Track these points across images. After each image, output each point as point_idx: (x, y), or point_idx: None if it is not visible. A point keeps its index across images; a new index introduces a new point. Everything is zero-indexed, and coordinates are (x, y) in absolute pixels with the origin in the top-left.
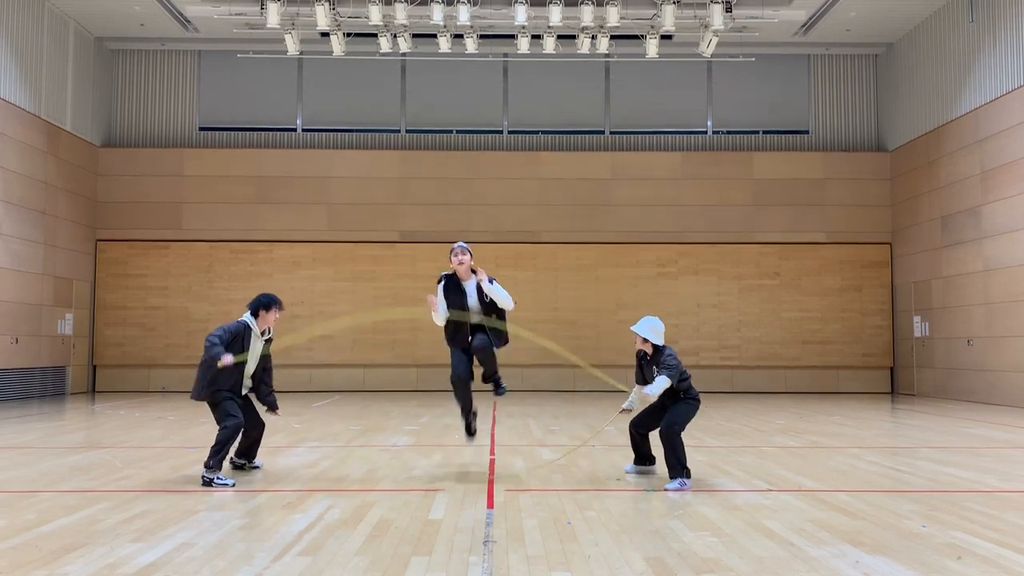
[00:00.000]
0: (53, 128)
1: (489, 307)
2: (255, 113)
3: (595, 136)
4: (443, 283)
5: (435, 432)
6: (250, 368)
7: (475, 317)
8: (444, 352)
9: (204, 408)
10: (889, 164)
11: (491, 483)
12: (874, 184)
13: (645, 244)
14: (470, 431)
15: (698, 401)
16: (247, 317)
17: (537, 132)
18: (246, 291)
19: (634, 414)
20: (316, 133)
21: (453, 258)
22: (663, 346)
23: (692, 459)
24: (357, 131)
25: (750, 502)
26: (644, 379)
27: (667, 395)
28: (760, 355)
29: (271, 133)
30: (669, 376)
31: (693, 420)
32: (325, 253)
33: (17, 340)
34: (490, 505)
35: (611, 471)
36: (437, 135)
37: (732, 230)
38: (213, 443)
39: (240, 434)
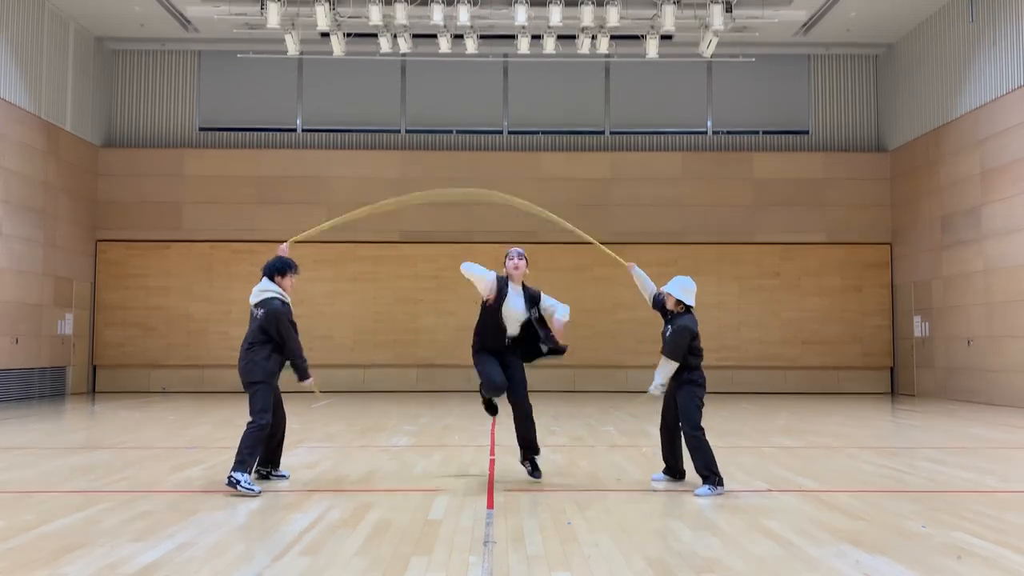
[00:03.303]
0: (53, 128)
1: (531, 324)
2: (255, 113)
3: (595, 136)
4: (496, 279)
5: (435, 432)
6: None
7: (512, 326)
8: (444, 352)
9: (204, 408)
10: (889, 164)
11: (491, 483)
12: (874, 184)
13: (645, 244)
14: (493, 410)
15: (701, 385)
16: (270, 286)
17: (537, 132)
18: (246, 291)
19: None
20: (316, 133)
21: (508, 262)
22: (688, 312)
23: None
24: (357, 131)
25: (750, 502)
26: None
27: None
28: (760, 355)
29: (271, 133)
30: (671, 357)
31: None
32: (325, 253)
33: (17, 340)
34: (490, 505)
35: (611, 471)
36: (437, 135)
37: (732, 230)
38: (242, 441)
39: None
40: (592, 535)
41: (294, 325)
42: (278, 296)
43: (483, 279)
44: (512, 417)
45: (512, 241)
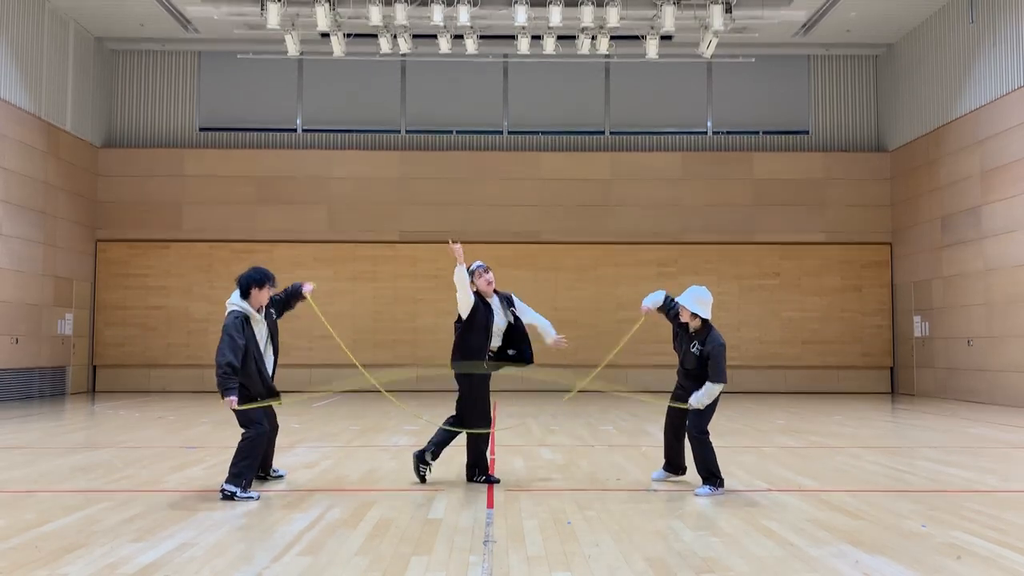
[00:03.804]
0: (53, 128)
1: (512, 330)
2: (255, 113)
3: (595, 136)
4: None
5: (435, 432)
6: (268, 361)
7: (496, 339)
8: (444, 351)
9: (204, 407)
10: (889, 164)
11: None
12: (874, 184)
13: (645, 244)
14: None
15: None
16: (238, 300)
17: (537, 132)
18: None
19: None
20: (316, 133)
21: (478, 279)
22: (710, 326)
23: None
24: (357, 131)
25: (750, 502)
26: (680, 348)
27: (692, 375)
28: (760, 355)
29: (271, 133)
30: (718, 382)
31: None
32: (325, 253)
33: (17, 340)
34: (490, 505)
35: (611, 471)
36: (437, 135)
37: (732, 230)
38: (237, 452)
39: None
40: (592, 535)
41: (276, 337)
42: (236, 308)
43: (469, 301)
44: (475, 436)
45: (514, 241)
